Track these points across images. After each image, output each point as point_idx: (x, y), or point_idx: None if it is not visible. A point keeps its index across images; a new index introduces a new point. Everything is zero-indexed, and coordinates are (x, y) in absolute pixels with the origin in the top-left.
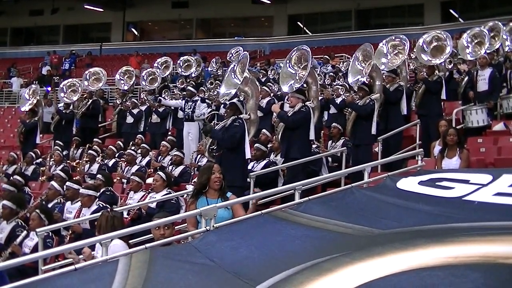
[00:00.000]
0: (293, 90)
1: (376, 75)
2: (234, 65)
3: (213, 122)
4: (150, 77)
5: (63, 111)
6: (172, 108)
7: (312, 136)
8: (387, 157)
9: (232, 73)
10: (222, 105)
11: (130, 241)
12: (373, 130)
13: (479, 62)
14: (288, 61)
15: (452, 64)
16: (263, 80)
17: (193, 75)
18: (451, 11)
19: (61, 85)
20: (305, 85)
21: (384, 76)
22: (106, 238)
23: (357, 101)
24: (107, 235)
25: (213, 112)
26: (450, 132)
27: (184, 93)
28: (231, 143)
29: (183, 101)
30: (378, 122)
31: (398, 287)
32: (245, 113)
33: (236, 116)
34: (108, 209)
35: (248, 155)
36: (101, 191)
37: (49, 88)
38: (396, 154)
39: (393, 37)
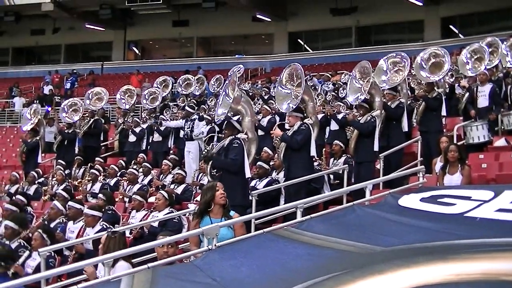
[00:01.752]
0: (291, 110)
1: (375, 92)
2: (226, 86)
3: (211, 145)
4: (151, 97)
5: (65, 131)
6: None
7: (313, 152)
8: (388, 174)
9: (225, 95)
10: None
11: (132, 261)
12: (375, 147)
13: (479, 78)
14: (279, 83)
15: (453, 78)
16: (265, 97)
17: (196, 93)
18: (451, 27)
19: (62, 105)
20: (302, 103)
21: (385, 93)
22: (108, 258)
23: (358, 119)
24: (109, 255)
25: (211, 134)
26: (451, 149)
27: (183, 112)
28: (234, 168)
29: (183, 120)
30: (379, 139)
31: None
32: (242, 132)
33: (234, 136)
34: (113, 231)
35: (248, 174)
36: (103, 210)
37: (49, 108)
38: (397, 171)
39: (394, 54)
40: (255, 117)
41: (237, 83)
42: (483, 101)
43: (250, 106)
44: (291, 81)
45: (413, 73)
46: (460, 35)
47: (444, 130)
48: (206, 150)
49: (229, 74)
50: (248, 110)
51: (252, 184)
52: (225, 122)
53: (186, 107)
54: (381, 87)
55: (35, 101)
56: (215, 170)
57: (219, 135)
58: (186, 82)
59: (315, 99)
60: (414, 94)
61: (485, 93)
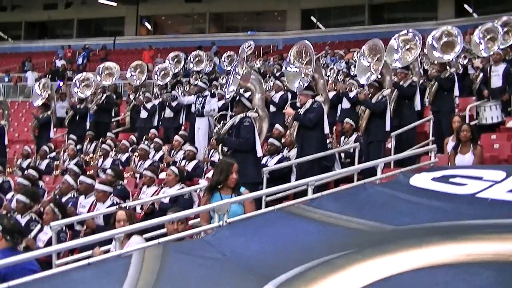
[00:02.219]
0: (302, 88)
1: (385, 71)
2: (236, 65)
3: (222, 122)
4: (162, 73)
5: (77, 106)
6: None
7: (326, 130)
8: (400, 153)
9: (235, 73)
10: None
11: (143, 236)
12: (387, 127)
13: (493, 58)
14: (287, 62)
15: (467, 60)
16: (277, 74)
17: (206, 70)
18: (465, 5)
19: (74, 80)
20: (312, 81)
21: (397, 72)
22: (119, 233)
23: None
24: (120, 229)
25: (221, 113)
26: (464, 128)
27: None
28: (246, 148)
29: (195, 96)
30: (392, 118)
31: (410, 285)
32: (252, 109)
33: (244, 115)
34: (125, 205)
35: (259, 153)
36: (113, 185)
37: (61, 83)
38: (409, 150)
39: (405, 31)
40: (265, 93)
41: (245, 60)
42: (496, 81)
43: (260, 83)
44: (300, 59)
45: (426, 53)
46: (474, 14)
47: (456, 110)
48: (216, 130)
49: (239, 51)
50: (258, 87)
51: (263, 161)
52: (236, 99)
53: (199, 83)
54: (394, 66)
55: (46, 76)
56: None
57: (231, 112)
58: (197, 59)
59: (328, 76)
60: (427, 74)
61: (498, 73)
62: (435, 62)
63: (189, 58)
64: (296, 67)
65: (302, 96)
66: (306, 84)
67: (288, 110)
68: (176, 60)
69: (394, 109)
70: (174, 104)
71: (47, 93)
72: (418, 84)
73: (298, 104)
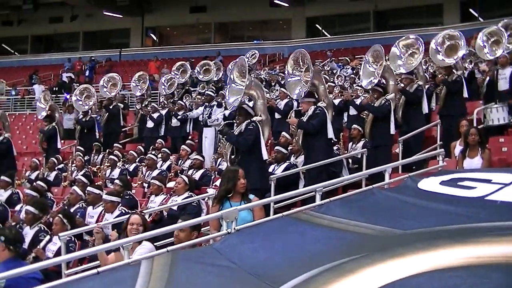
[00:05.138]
0: (303, 96)
1: (389, 75)
2: (231, 74)
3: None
4: (169, 83)
5: (82, 119)
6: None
7: (330, 134)
8: (407, 158)
9: (232, 82)
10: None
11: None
12: (392, 130)
13: (499, 61)
14: (287, 73)
15: (472, 64)
16: (282, 82)
17: (214, 78)
18: (471, 10)
19: (73, 94)
20: (313, 87)
21: (402, 79)
22: (128, 242)
23: (374, 102)
24: (129, 238)
25: (227, 122)
26: (472, 132)
27: (204, 97)
28: (246, 146)
29: (203, 107)
30: (398, 122)
31: None
32: (256, 115)
33: (249, 120)
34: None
35: (265, 156)
36: (121, 195)
37: (68, 96)
38: (416, 154)
39: (404, 37)
40: (271, 101)
41: (247, 68)
42: (503, 84)
43: (261, 88)
44: (298, 67)
45: (429, 58)
46: (480, 18)
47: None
48: (223, 126)
49: (250, 59)
50: (259, 93)
51: (271, 169)
52: (238, 107)
53: (208, 92)
54: (399, 72)
55: (54, 89)
56: (234, 156)
57: (235, 121)
58: (204, 68)
59: (334, 82)
60: (434, 79)
61: (505, 76)
62: (440, 66)
63: (196, 68)
64: (296, 75)
65: (303, 104)
66: (305, 91)
67: (291, 119)
68: (181, 70)
69: (402, 115)
70: (180, 113)
71: (49, 104)
72: (424, 88)
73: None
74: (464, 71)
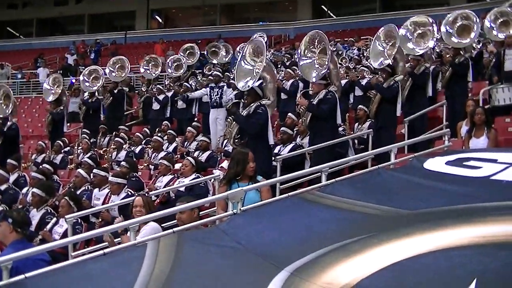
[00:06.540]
0: (319, 78)
1: (399, 57)
2: (244, 52)
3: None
4: (175, 64)
5: (88, 100)
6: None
7: (339, 120)
8: (412, 139)
9: (242, 60)
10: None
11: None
12: (398, 112)
13: (506, 41)
14: (299, 53)
15: (481, 44)
16: (287, 63)
17: (224, 60)
18: None
19: (81, 75)
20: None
21: (409, 59)
22: (134, 223)
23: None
24: (135, 219)
25: (235, 101)
26: (478, 111)
27: (210, 78)
28: (254, 130)
29: (207, 88)
30: (404, 105)
31: (426, 267)
32: (265, 98)
33: (258, 103)
34: (145, 193)
35: (271, 141)
36: (127, 177)
37: (74, 80)
38: (422, 135)
39: (415, 17)
40: (277, 82)
41: (265, 49)
42: (510, 65)
43: (273, 72)
44: (312, 47)
45: (440, 37)
46: None
47: (470, 95)
48: (231, 105)
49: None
50: (271, 76)
51: (276, 150)
52: (248, 89)
53: (215, 72)
54: (413, 53)
55: (58, 71)
56: (239, 137)
57: (243, 101)
58: (212, 49)
59: (339, 64)
60: (440, 59)
61: None
62: (450, 47)
63: (205, 50)
64: (308, 57)
65: (314, 86)
66: (323, 73)
67: (301, 100)
68: (188, 52)
69: (407, 96)
70: (161, 98)
71: (60, 89)
72: (430, 68)
73: (311, 93)
74: (472, 52)
